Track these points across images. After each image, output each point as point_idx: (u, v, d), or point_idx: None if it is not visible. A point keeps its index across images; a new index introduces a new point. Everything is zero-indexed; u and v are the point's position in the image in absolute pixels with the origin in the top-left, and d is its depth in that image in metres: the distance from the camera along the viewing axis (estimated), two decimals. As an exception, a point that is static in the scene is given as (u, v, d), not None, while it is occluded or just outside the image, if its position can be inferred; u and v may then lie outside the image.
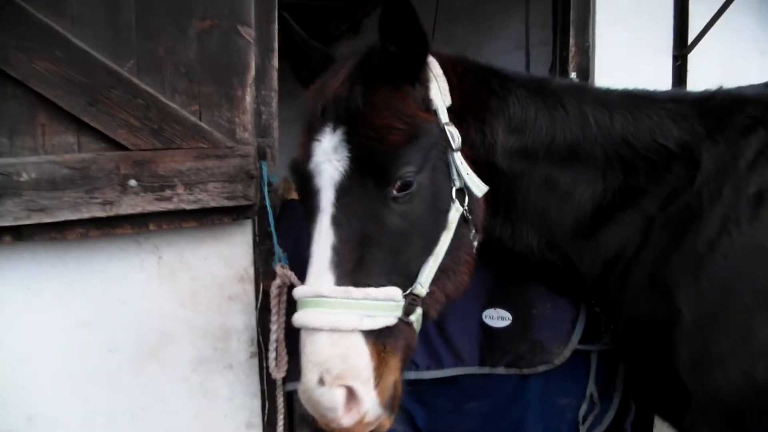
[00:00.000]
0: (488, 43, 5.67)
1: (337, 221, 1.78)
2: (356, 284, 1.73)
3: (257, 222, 2.82)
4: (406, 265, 1.84)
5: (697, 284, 2.07)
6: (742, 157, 2.10)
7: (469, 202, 1.99)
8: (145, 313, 2.73)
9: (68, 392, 2.62)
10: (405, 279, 1.82)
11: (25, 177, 2.27)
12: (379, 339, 1.73)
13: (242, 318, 2.89)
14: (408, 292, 1.81)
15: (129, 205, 2.43)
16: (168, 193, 2.47)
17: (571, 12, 3.92)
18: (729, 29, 4.80)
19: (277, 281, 2.56)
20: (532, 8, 4.92)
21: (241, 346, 2.90)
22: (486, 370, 2.54)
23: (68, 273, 2.58)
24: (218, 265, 2.82)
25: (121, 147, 2.44)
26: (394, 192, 1.81)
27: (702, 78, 4.48)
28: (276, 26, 2.76)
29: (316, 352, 1.67)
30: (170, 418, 2.82)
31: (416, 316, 1.84)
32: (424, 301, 1.85)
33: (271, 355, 2.63)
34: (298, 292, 1.78)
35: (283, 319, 2.62)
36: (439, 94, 2.00)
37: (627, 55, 4.21)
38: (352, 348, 1.68)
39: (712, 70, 4.75)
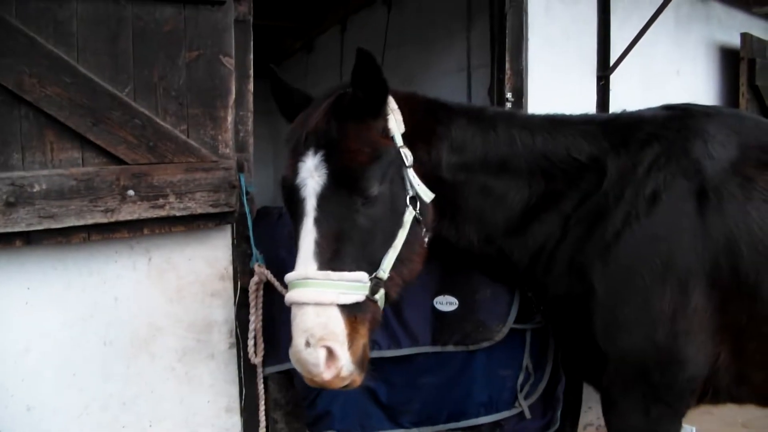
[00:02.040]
0: (434, 65, 5.81)
1: (318, 222, 2.18)
2: (333, 269, 2.12)
3: (236, 227, 3.09)
4: (372, 255, 2.24)
5: (606, 266, 2.51)
6: (641, 165, 2.56)
7: (420, 207, 2.40)
8: (137, 309, 2.93)
9: (65, 383, 2.80)
10: (370, 266, 2.21)
11: (36, 188, 2.50)
12: (351, 312, 2.11)
13: (223, 312, 3.12)
14: (373, 276, 2.20)
15: (127, 212, 2.69)
16: (161, 201, 2.75)
17: (507, 39, 4.24)
18: (647, 51, 5.22)
19: (255, 278, 2.90)
20: (473, 35, 5.29)
21: (222, 338, 3.13)
22: (438, 348, 2.90)
23: (67, 274, 2.78)
24: (201, 265, 3.06)
25: (120, 161, 2.68)
26: (362, 199, 2.22)
27: (623, 96, 4.90)
28: (251, 56, 3.07)
29: (303, 321, 2.05)
30: (158, 404, 3.01)
31: (380, 296, 2.22)
32: (385, 284, 2.24)
33: (250, 342, 2.94)
34: (290, 276, 2.17)
35: (260, 311, 2.94)
36: (395, 123, 2.42)
37: (556, 77, 4.58)
38: (331, 318, 2.07)
39: (633, 89, 5.17)
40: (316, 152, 2.27)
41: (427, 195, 2.44)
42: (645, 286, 2.46)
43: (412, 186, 2.40)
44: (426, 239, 2.47)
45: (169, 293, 3.02)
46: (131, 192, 2.69)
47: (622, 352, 2.53)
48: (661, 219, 2.49)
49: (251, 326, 2.95)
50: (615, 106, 4.88)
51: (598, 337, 2.56)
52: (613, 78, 5.03)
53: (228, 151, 2.96)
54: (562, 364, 3.11)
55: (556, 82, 4.58)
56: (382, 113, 2.40)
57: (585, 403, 3.67)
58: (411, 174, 2.40)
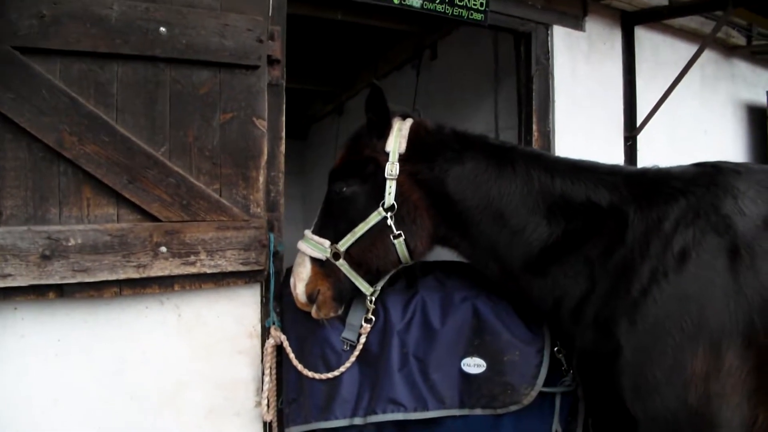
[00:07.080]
0: (461, 126, 5.84)
1: (323, 202, 3.02)
2: (315, 234, 2.93)
3: (265, 285, 3.12)
4: (336, 232, 2.89)
5: (633, 324, 2.46)
6: (667, 220, 2.53)
7: (397, 214, 2.83)
8: (165, 364, 2.94)
9: (92, 436, 2.80)
10: (334, 239, 2.88)
11: (72, 242, 2.56)
12: (318, 266, 2.89)
13: (250, 370, 3.12)
14: (333, 245, 2.86)
15: (159, 269, 2.74)
16: (192, 258, 2.80)
17: (534, 101, 4.35)
18: (674, 111, 5.28)
19: (270, 341, 2.99)
20: (500, 97, 5.37)
21: (248, 396, 3.12)
22: (465, 411, 2.84)
23: (98, 327, 2.79)
24: (230, 323, 3.08)
25: (154, 218, 2.74)
26: (337, 193, 2.91)
27: (651, 156, 4.90)
28: (284, 118, 3.17)
29: (295, 263, 2.94)
30: (183, 461, 2.98)
31: (341, 263, 2.86)
32: (345, 258, 2.86)
33: (263, 402, 3.00)
34: (306, 233, 2.98)
35: (274, 372, 3.02)
36: (394, 143, 2.88)
37: (583, 138, 4.64)
38: (304, 263, 2.91)
39: (660, 149, 5.19)
40: None
41: (391, 203, 2.84)
42: (675, 346, 2.39)
43: (388, 195, 2.83)
44: (395, 243, 2.86)
45: (197, 349, 3.02)
46: (163, 248, 2.74)
47: (653, 415, 2.45)
48: (692, 276, 2.43)
49: (264, 386, 3.02)
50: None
51: (625, 396, 2.49)
52: (640, 138, 5.08)
53: (259, 210, 3.02)
54: (592, 428, 3.01)
55: (583, 143, 4.62)
56: (384, 133, 2.91)
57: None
58: (389, 184, 2.84)
